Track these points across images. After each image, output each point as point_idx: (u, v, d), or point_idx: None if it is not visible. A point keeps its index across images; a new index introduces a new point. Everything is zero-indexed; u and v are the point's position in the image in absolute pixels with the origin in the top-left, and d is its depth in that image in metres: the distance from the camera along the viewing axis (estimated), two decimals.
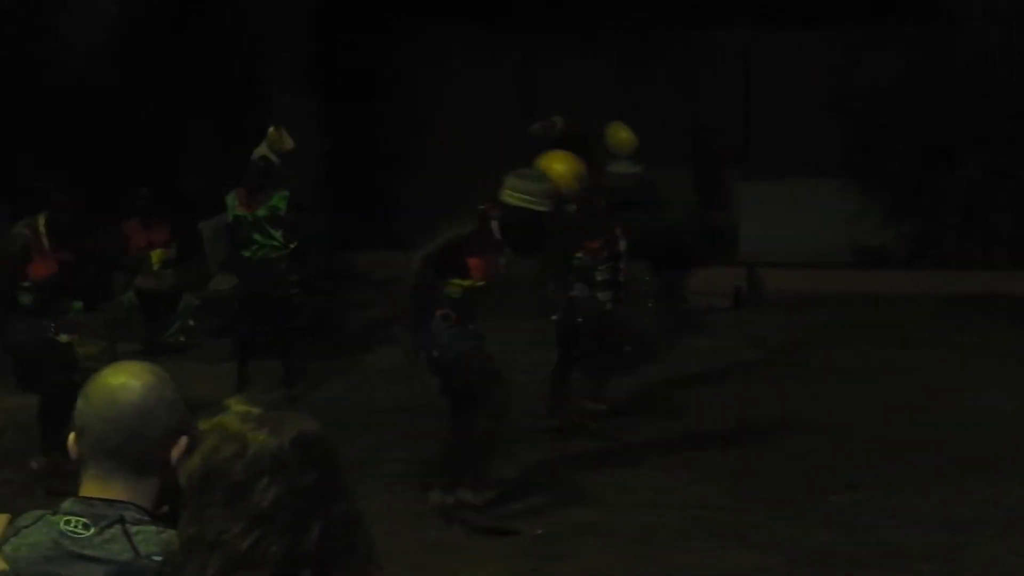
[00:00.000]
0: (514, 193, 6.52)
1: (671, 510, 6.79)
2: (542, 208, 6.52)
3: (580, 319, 8.11)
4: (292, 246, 9.23)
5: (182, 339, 11.10)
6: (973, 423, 8.15)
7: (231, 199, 9.23)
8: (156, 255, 11.00)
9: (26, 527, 2.27)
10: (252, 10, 13.49)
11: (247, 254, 9.15)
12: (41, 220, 7.80)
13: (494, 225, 6.52)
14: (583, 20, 14.88)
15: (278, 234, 9.19)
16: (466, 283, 6.47)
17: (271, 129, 9.47)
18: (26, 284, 7.68)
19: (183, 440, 2.28)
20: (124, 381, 2.30)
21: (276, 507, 1.92)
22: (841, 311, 11.77)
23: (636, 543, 6.37)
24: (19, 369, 8.40)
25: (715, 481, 7.21)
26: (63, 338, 7.69)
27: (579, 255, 8.17)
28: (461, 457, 6.66)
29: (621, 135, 8.67)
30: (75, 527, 2.23)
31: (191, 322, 11.18)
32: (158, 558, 2.17)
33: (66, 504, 2.28)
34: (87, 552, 2.21)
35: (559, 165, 6.95)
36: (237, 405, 2.04)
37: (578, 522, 6.67)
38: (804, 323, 11.39)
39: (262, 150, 9.49)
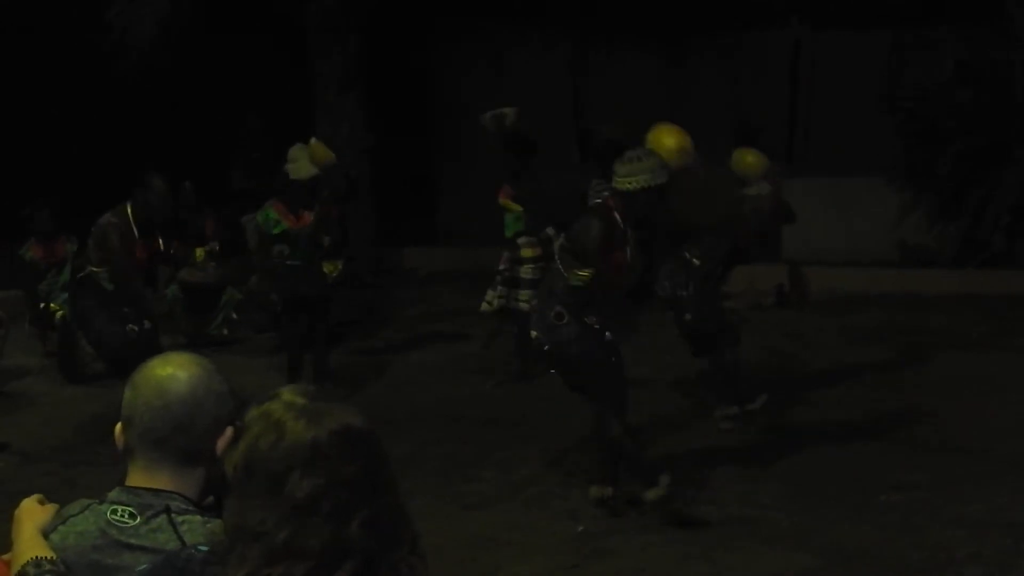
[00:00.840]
0: (630, 177, 6.44)
1: (716, 509, 6.75)
2: (661, 181, 6.43)
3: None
4: (326, 244, 9.32)
5: (225, 332, 11.18)
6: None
7: (271, 213, 9.09)
8: (200, 249, 11.07)
9: (73, 516, 2.28)
10: (302, 6, 13.54)
11: (295, 263, 9.10)
12: (128, 209, 7.99)
13: (616, 216, 6.48)
14: (632, 19, 14.85)
15: (326, 240, 9.36)
16: (584, 274, 6.42)
17: (312, 141, 9.41)
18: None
19: (229, 431, 2.28)
20: (172, 372, 2.30)
21: (313, 499, 1.92)
22: (887, 311, 11.67)
23: (681, 542, 6.33)
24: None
25: (760, 480, 7.16)
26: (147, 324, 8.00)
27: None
28: (603, 453, 6.71)
29: (748, 159, 8.41)
30: (121, 516, 2.24)
31: (234, 315, 11.26)
32: (204, 548, 2.17)
33: (113, 493, 2.29)
34: (133, 541, 2.22)
35: (668, 139, 6.86)
36: (287, 394, 2.04)
37: (620, 520, 6.64)
38: (849, 323, 11.30)
39: (303, 166, 9.20)
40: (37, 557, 2.20)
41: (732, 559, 6.14)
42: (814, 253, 13.30)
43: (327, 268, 10.78)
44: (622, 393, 6.59)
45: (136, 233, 8.07)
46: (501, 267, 9.59)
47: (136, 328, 7.93)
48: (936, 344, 10.38)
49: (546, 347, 6.54)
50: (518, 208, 9.57)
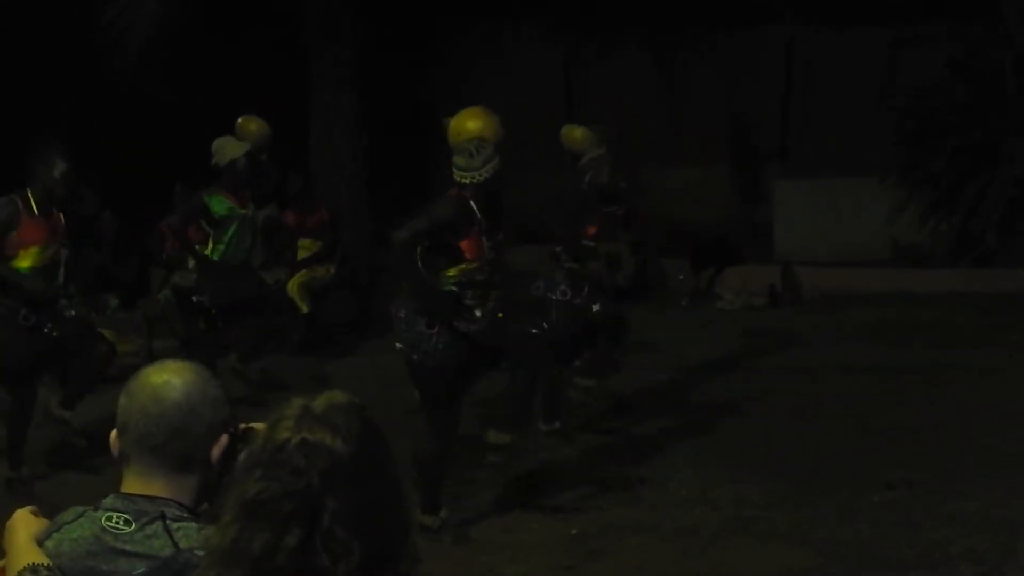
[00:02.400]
0: (458, 172, 6.32)
1: (711, 508, 6.77)
2: (484, 176, 6.26)
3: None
4: None
5: None
6: (1021, 422, 8.04)
7: (218, 197, 8.94)
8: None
9: (67, 523, 2.29)
10: (296, 6, 13.54)
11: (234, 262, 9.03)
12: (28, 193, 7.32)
13: (472, 205, 6.32)
14: (626, 16, 14.87)
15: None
16: (459, 268, 6.30)
17: (239, 120, 9.32)
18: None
19: (224, 438, 2.30)
20: (167, 378, 2.31)
21: (260, 502, 1.92)
22: (881, 310, 11.68)
23: (677, 541, 6.34)
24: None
25: (754, 479, 7.18)
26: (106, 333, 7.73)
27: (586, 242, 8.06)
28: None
29: (575, 134, 8.57)
30: (116, 523, 2.25)
31: None
32: (199, 553, 2.18)
33: (107, 500, 2.30)
34: (128, 548, 2.23)
35: (470, 122, 6.66)
36: (318, 399, 2.03)
37: (615, 520, 6.65)
38: (843, 321, 11.31)
39: (230, 148, 9.03)
40: (33, 564, 2.21)
41: (728, 557, 6.15)
42: (807, 252, 13.32)
43: (321, 271, 10.79)
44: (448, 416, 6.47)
45: (35, 211, 7.22)
46: None
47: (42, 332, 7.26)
48: (929, 342, 10.39)
49: (414, 358, 6.33)
50: None
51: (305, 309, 10.79)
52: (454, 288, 6.32)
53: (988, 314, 11.22)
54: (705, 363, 9.93)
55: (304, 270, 10.96)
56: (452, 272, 6.32)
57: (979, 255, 12.98)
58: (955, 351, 10.04)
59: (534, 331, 6.90)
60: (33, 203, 7.22)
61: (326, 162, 13.60)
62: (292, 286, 10.84)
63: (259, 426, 2.27)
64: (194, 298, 9.00)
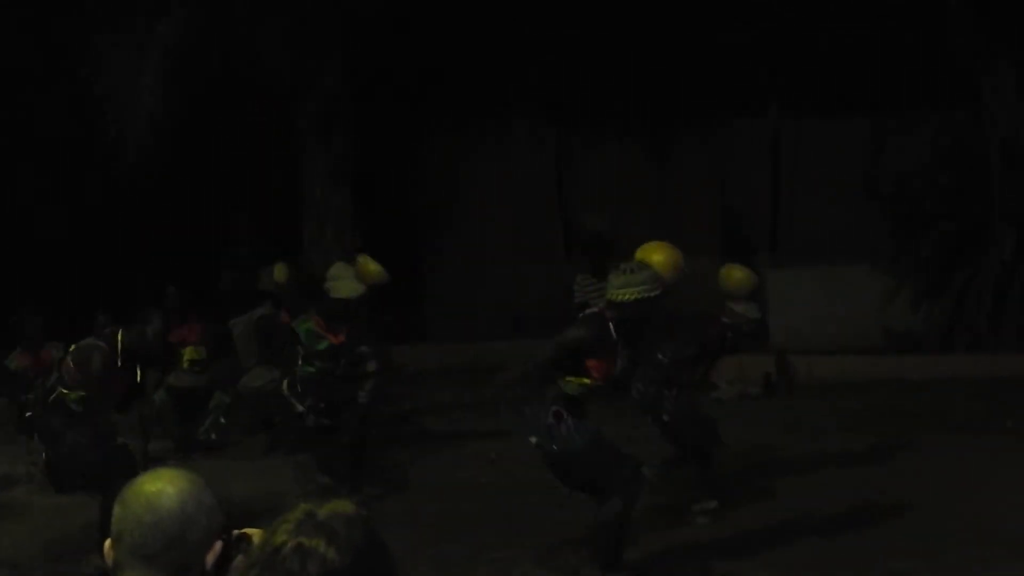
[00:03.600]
0: (625, 289, 6.62)
1: None
2: (655, 293, 6.63)
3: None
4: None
5: (213, 436, 11.11)
6: (1017, 509, 8.00)
7: (311, 327, 9.08)
8: (188, 352, 11.07)
9: None
10: (287, 106, 13.70)
11: (337, 373, 9.11)
12: (119, 336, 7.87)
13: (611, 326, 6.66)
14: (615, 109, 15.07)
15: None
16: (585, 381, 6.61)
17: (360, 258, 9.41)
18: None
19: (218, 544, 2.30)
20: (161, 487, 2.32)
21: None
22: (875, 397, 11.68)
23: None
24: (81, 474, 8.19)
25: (752, 569, 7.12)
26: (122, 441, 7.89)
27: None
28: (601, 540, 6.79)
29: (735, 274, 8.58)
30: None
31: (222, 420, 11.21)
32: None
33: None
34: None
35: (657, 255, 7.03)
36: (323, 506, 2.05)
37: None
38: (837, 409, 11.31)
39: (347, 285, 9.12)
40: None
41: None
42: (800, 340, 13.35)
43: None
44: (629, 477, 6.70)
45: (119, 363, 7.92)
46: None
47: (112, 443, 7.84)
48: (925, 428, 10.38)
49: (553, 448, 6.66)
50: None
51: (300, 408, 10.75)
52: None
53: (982, 399, 11.22)
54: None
55: None
56: (578, 381, 6.63)
57: (971, 341, 13.03)
58: (951, 437, 10.03)
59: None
60: None
61: (318, 259, 13.67)
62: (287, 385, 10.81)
63: (253, 532, 2.28)
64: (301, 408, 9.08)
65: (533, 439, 6.74)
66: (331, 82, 13.53)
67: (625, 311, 6.62)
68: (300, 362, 9.13)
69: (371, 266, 9.24)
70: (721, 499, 8.24)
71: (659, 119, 15.19)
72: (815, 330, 13.59)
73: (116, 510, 2.32)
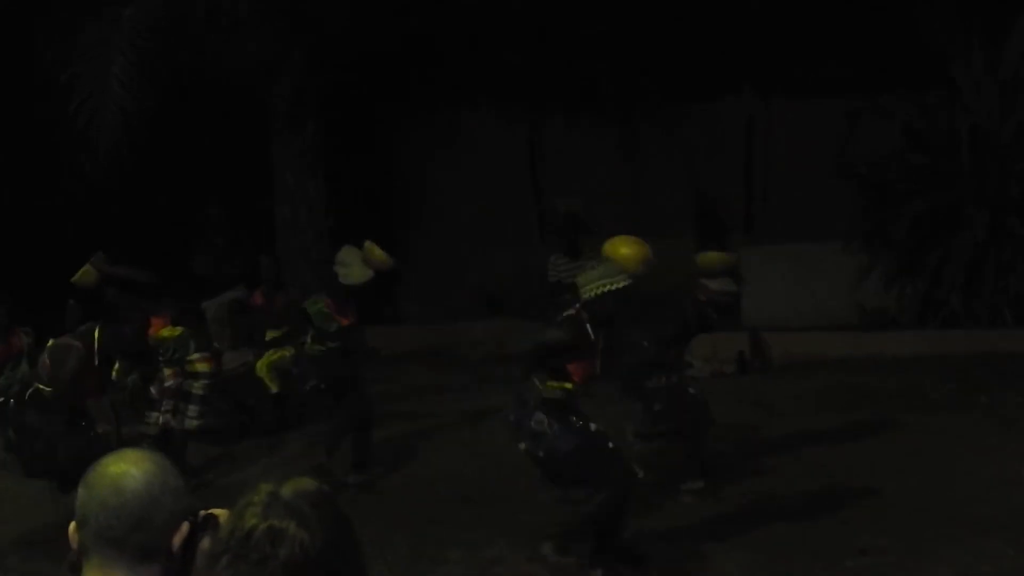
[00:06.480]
0: (592, 285, 6.65)
1: None
2: (622, 284, 6.65)
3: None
4: None
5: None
6: (993, 487, 8.07)
7: (323, 308, 9.16)
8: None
9: None
10: (259, 94, 13.63)
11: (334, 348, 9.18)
12: (96, 333, 7.76)
13: (588, 327, 6.68)
14: (587, 92, 15.05)
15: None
16: (566, 386, 6.66)
17: (367, 244, 9.44)
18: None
19: (185, 526, 2.28)
20: (126, 469, 2.29)
21: None
22: (849, 375, 11.72)
23: None
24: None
25: (728, 551, 7.15)
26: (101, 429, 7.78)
27: None
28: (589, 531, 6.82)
29: (712, 257, 8.63)
30: None
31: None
32: None
33: None
34: None
35: (624, 249, 7.04)
36: (285, 486, 2.04)
37: None
38: (812, 387, 11.34)
39: (357, 271, 9.18)
40: None
41: None
42: (774, 319, 13.39)
43: (290, 351, 10.74)
44: (618, 476, 6.72)
45: (96, 361, 7.83)
46: (167, 384, 9.34)
47: (93, 434, 7.74)
48: (899, 406, 10.43)
49: (540, 455, 6.69)
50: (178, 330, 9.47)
51: (275, 389, 10.75)
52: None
53: (956, 376, 11.28)
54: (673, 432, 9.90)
55: (273, 350, 10.92)
56: (559, 384, 6.65)
57: (945, 318, 13.09)
58: (924, 415, 10.08)
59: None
60: None
61: (292, 244, 13.65)
62: (261, 366, 10.81)
63: (220, 512, 2.26)
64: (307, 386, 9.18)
65: (522, 445, 6.78)
66: (299, 69, 13.47)
67: (596, 307, 6.66)
68: (309, 341, 9.24)
69: (378, 252, 9.30)
70: (708, 479, 8.27)
71: (632, 102, 15.18)
72: (789, 309, 13.62)
73: (80, 493, 2.30)
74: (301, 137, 13.63)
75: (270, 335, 11.05)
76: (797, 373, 11.93)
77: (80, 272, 9.38)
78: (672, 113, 15.22)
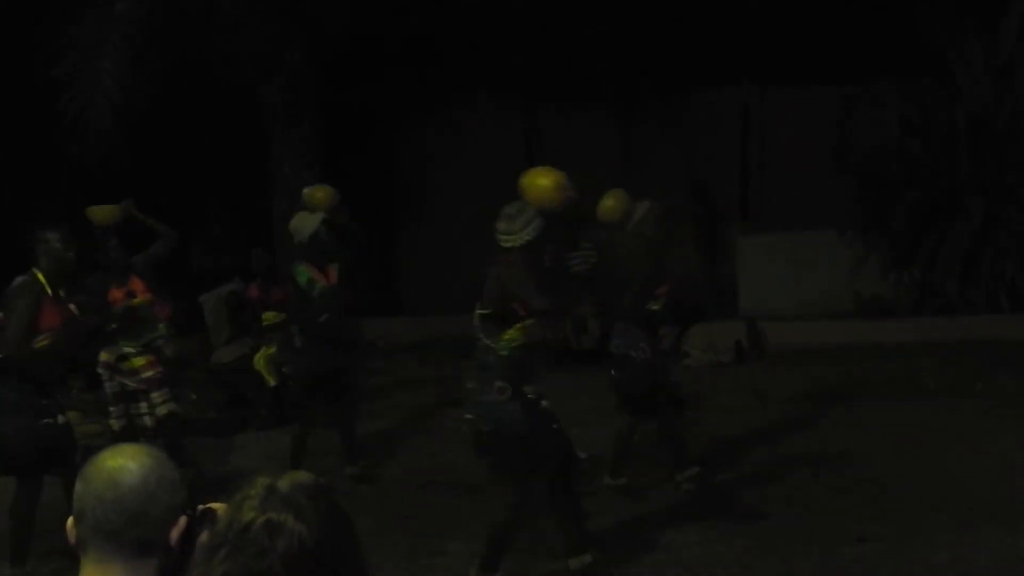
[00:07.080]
0: (507, 236, 6.39)
1: (683, 570, 6.74)
2: (538, 233, 6.34)
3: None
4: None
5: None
6: (989, 473, 8.09)
7: (306, 272, 8.87)
8: (159, 331, 10.99)
9: None
10: (255, 86, 13.62)
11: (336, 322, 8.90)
12: (37, 273, 7.21)
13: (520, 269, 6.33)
14: (583, 81, 15.03)
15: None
16: (517, 330, 6.18)
17: (305, 191, 9.26)
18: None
19: (182, 520, 2.28)
20: (123, 463, 2.30)
21: None
22: (847, 362, 11.75)
23: None
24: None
25: (724, 539, 7.17)
26: (61, 419, 6.99)
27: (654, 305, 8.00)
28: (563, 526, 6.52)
29: (608, 203, 8.58)
30: None
31: (193, 396, 11.17)
32: None
33: None
34: None
35: (541, 179, 6.65)
36: (283, 478, 2.04)
37: None
38: (809, 375, 11.37)
39: (307, 220, 8.89)
40: None
41: None
42: (772, 308, 13.41)
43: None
44: (562, 459, 6.36)
45: (50, 293, 7.03)
46: (147, 375, 8.82)
47: (51, 422, 6.89)
48: (896, 393, 10.46)
49: (485, 429, 6.24)
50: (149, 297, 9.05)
51: (273, 382, 10.75)
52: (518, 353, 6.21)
53: (952, 364, 11.31)
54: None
55: (270, 344, 10.92)
56: (511, 334, 6.20)
57: (941, 306, 13.11)
58: (920, 402, 10.11)
59: None
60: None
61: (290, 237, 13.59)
62: (259, 360, 10.81)
63: (217, 506, 2.27)
64: (284, 369, 8.88)
65: (468, 415, 6.37)
66: (295, 62, 13.45)
67: (521, 255, 6.31)
68: (298, 331, 8.97)
69: (317, 192, 9.05)
70: (699, 462, 8.24)
71: (628, 90, 15.17)
72: (786, 297, 13.65)
73: (78, 487, 2.31)
74: (298, 130, 13.62)
75: (268, 319, 10.89)
76: (794, 362, 11.95)
77: (103, 208, 9.00)
78: (669, 103, 15.22)
